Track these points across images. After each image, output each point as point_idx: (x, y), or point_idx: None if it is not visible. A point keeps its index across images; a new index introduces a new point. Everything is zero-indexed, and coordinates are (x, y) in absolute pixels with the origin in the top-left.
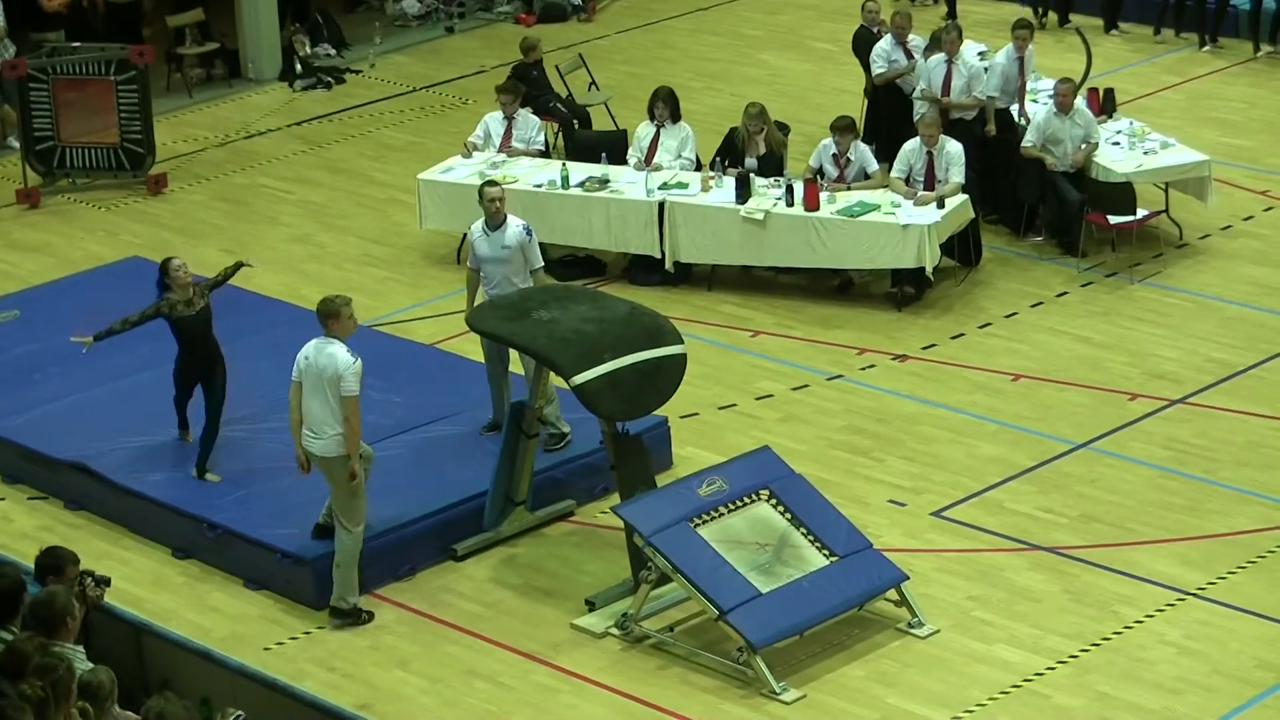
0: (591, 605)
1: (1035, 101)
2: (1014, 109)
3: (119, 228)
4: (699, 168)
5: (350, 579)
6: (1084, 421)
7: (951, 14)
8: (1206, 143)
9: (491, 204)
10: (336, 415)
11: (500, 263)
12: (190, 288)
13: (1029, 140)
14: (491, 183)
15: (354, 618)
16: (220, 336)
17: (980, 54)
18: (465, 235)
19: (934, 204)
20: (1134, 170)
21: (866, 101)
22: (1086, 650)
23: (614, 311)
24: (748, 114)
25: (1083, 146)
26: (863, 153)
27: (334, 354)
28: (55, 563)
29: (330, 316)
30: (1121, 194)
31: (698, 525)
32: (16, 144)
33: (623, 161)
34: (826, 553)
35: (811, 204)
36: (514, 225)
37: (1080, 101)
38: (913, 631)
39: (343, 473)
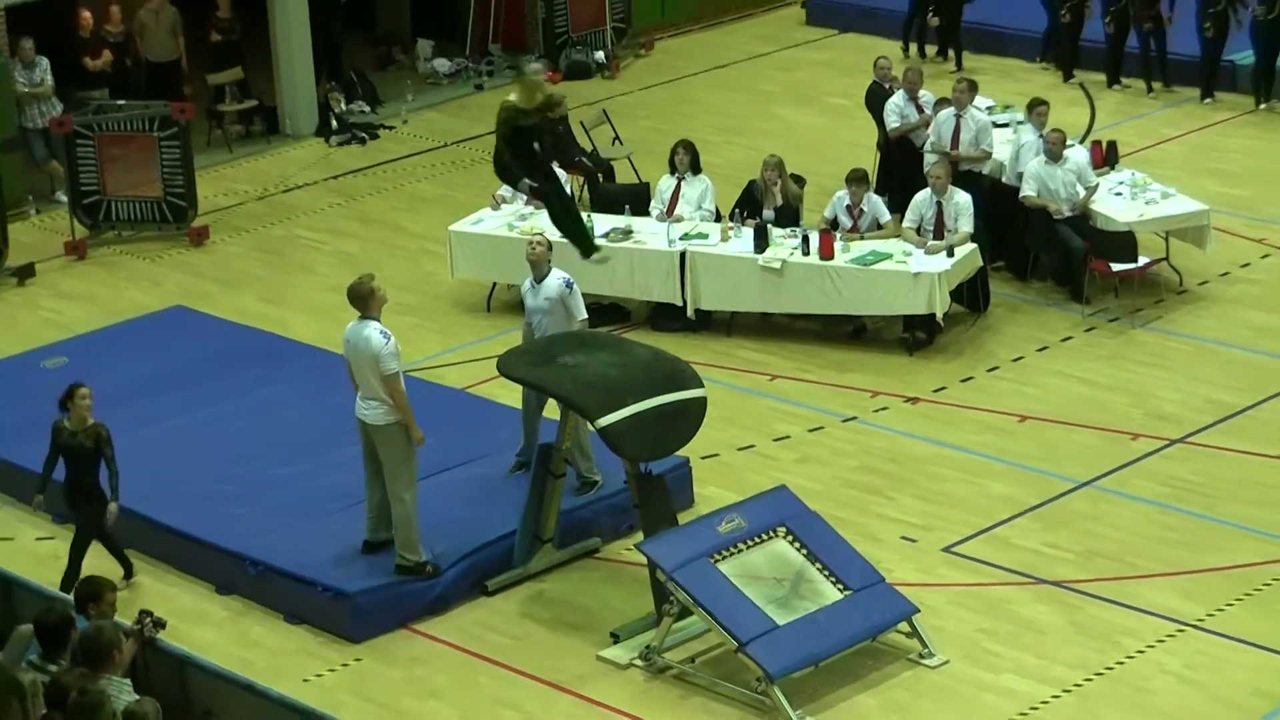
0: (616, 638)
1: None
2: None
3: (162, 278)
4: (718, 219)
5: (410, 540)
6: (1088, 460)
7: (958, 65)
8: (1205, 192)
9: (530, 250)
10: (381, 390)
11: (543, 313)
12: (87, 420)
13: (1028, 189)
14: (539, 234)
15: (419, 572)
16: (257, 382)
17: (988, 109)
18: (494, 285)
19: (944, 252)
20: (1136, 219)
21: (879, 154)
22: (1090, 680)
23: (637, 357)
24: (765, 166)
25: (1080, 192)
26: (875, 203)
27: (369, 337)
28: (94, 591)
29: (361, 299)
30: (1124, 242)
31: (717, 561)
32: (64, 198)
33: (645, 213)
34: (841, 587)
35: (826, 253)
36: (555, 278)
37: (1074, 152)
38: (924, 662)
39: (393, 439)
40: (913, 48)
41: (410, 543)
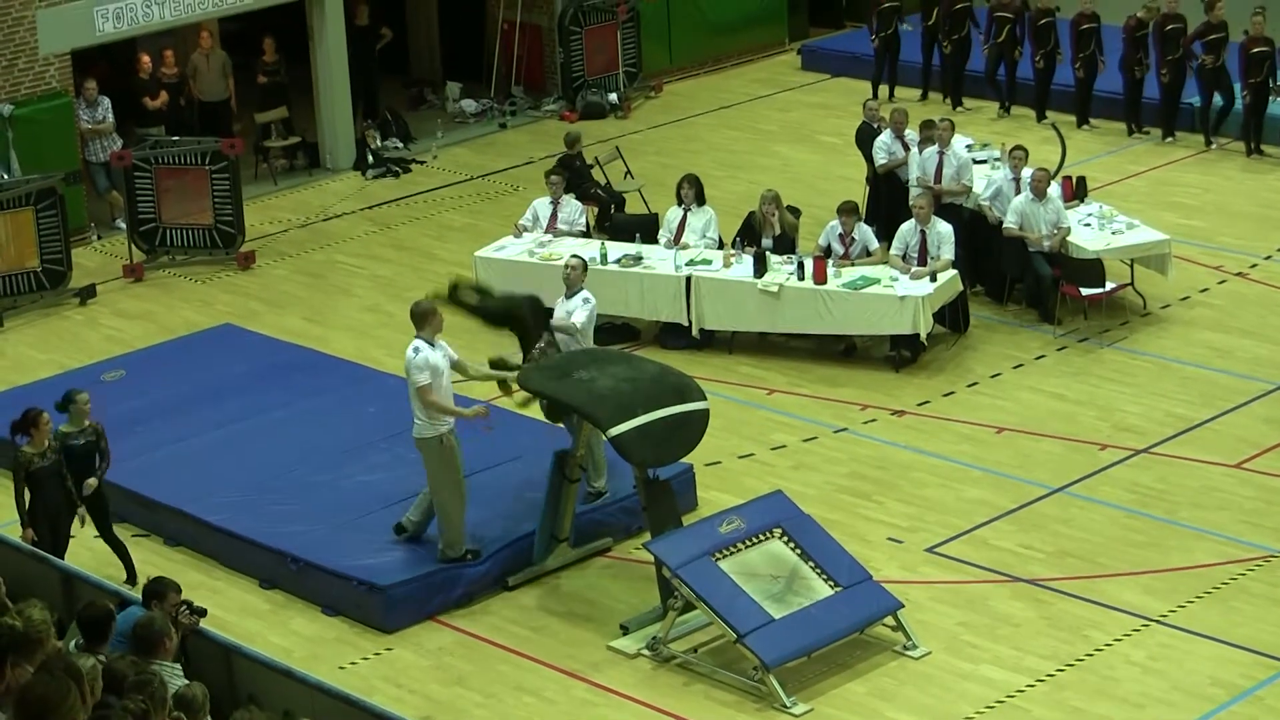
0: (625, 629)
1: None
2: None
3: (212, 298)
4: (721, 246)
5: (451, 540)
6: (1059, 468)
7: (957, 103)
8: (1166, 224)
9: (565, 270)
10: (415, 403)
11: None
12: (85, 420)
13: (1009, 222)
14: (575, 256)
15: (461, 559)
16: (299, 394)
17: (968, 146)
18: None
19: (927, 278)
20: (1103, 248)
21: (868, 188)
22: (1061, 670)
23: (645, 371)
24: (764, 199)
25: (1055, 231)
26: (865, 233)
27: (407, 354)
28: (160, 590)
29: (417, 316)
30: (1092, 269)
31: (719, 559)
32: (123, 225)
33: (654, 241)
34: (831, 583)
35: (820, 278)
36: (579, 295)
37: (1054, 189)
38: (908, 653)
39: (430, 450)
40: (882, 90)
41: (452, 543)
